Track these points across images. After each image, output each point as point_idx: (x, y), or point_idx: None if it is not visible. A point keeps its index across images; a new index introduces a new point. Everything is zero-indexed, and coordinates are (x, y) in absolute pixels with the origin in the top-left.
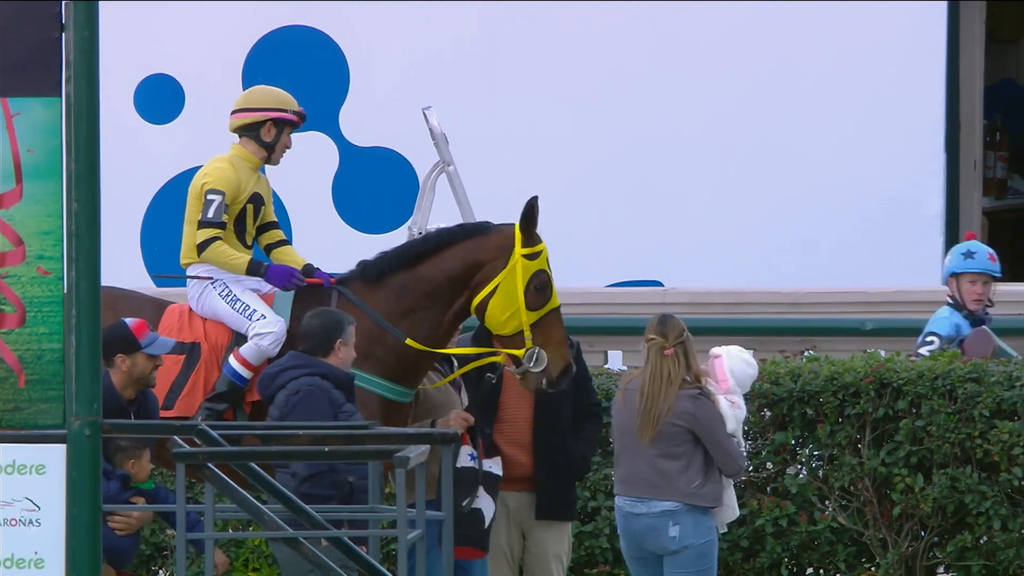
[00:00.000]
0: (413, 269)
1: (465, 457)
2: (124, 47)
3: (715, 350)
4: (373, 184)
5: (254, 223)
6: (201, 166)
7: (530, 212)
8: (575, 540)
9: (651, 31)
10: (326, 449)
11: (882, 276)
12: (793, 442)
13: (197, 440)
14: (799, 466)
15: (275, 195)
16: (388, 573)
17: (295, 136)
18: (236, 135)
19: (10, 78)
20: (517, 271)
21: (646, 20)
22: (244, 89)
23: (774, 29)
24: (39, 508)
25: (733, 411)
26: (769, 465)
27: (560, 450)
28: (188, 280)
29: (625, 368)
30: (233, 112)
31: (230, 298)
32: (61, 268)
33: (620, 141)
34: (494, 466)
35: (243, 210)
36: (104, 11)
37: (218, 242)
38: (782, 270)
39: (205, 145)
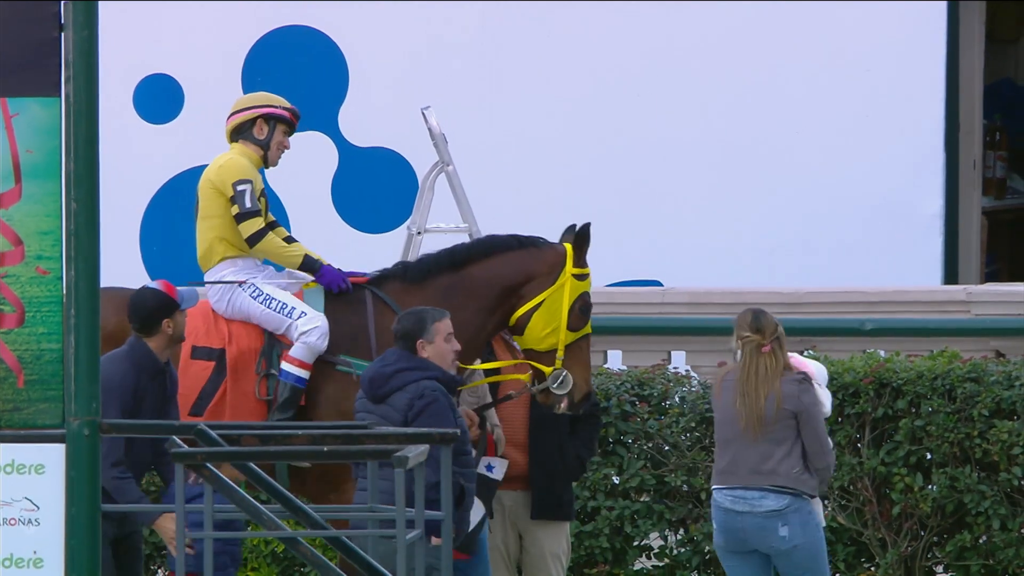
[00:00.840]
0: (460, 271)
1: (483, 468)
2: (123, 47)
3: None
4: (372, 184)
5: (265, 219)
6: (203, 166)
7: (585, 234)
8: (574, 540)
9: (650, 31)
10: (325, 449)
11: (881, 276)
12: None
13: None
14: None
15: (275, 194)
16: (388, 573)
17: (299, 137)
18: (234, 143)
19: (9, 78)
20: (565, 289)
21: (645, 20)
22: (244, 89)
23: (773, 29)
24: (38, 508)
25: (828, 399)
26: None
27: (556, 450)
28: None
29: (625, 368)
30: (227, 120)
31: (263, 298)
32: (60, 268)
33: (619, 141)
34: (497, 468)
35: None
36: (103, 11)
37: (270, 233)
38: (781, 270)
39: (204, 145)
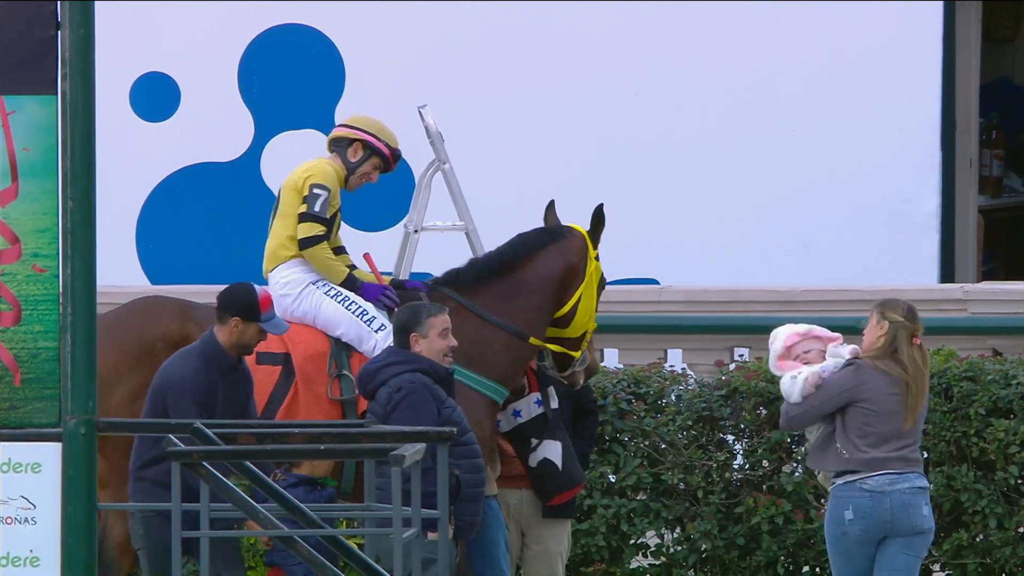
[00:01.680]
0: (511, 275)
1: (532, 405)
2: (119, 45)
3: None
4: (369, 182)
5: (335, 234)
6: (200, 163)
7: (600, 216)
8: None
9: (648, 29)
10: (322, 448)
11: (878, 274)
12: (789, 440)
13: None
14: (795, 464)
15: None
16: (384, 572)
17: (295, 135)
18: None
19: (6, 76)
20: (593, 275)
21: (643, 19)
22: (240, 87)
23: (770, 28)
24: (35, 506)
25: None
26: (765, 463)
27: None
28: (275, 280)
29: (621, 366)
30: (335, 128)
31: (341, 298)
32: (56, 266)
33: (617, 139)
34: (552, 400)
35: (332, 217)
36: (100, 9)
37: (324, 243)
38: (778, 268)
39: (200, 143)
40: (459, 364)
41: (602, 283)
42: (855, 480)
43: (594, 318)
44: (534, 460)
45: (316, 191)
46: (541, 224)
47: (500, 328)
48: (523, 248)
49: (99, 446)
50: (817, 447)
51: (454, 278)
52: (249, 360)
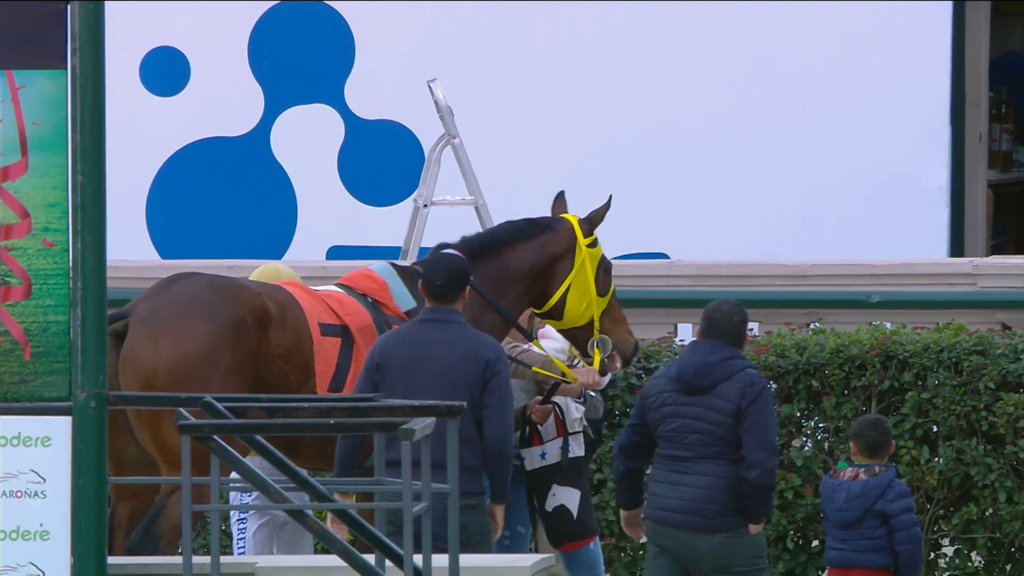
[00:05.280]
0: (494, 259)
1: (537, 458)
2: (129, 19)
3: None
4: (379, 157)
5: None
6: (210, 138)
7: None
8: None
9: (657, 5)
10: (331, 422)
11: (888, 248)
12: (799, 415)
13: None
14: (804, 439)
15: (281, 168)
16: (394, 545)
17: (305, 109)
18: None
19: (15, 50)
20: (586, 263)
21: None
22: (250, 61)
23: (780, 4)
24: (44, 480)
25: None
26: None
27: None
28: None
29: None
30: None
31: None
32: (67, 240)
33: (626, 114)
34: (573, 446)
35: None
36: None
37: None
38: (788, 242)
39: (210, 118)
40: None
41: (605, 266)
42: None
43: (595, 305)
44: (551, 504)
45: None
46: (550, 203)
47: (492, 307)
48: (510, 235)
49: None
50: None
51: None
52: (315, 331)
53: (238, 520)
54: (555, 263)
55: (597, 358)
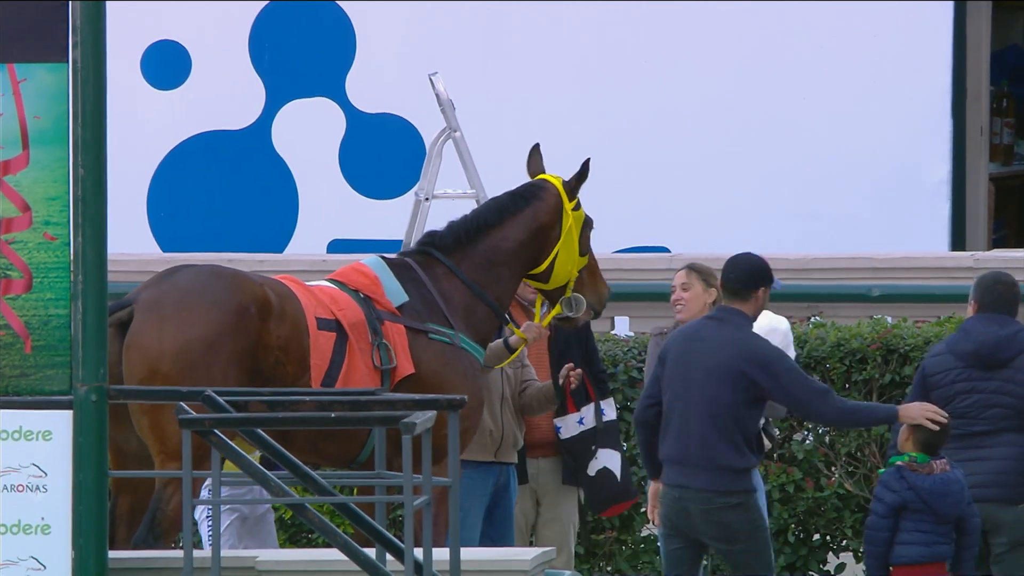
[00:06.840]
0: (486, 240)
1: (574, 425)
2: (130, 13)
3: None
4: (380, 150)
5: None
6: (211, 131)
7: (585, 169)
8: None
9: None
10: (332, 415)
11: (889, 242)
12: None
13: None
14: (805, 432)
15: (283, 161)
16: (395, 539)
17: (306, 103)
18: None
19: (17, 44)
20: (572, 228)
21: None
22: (251, 55)
23: None
24: (46, 474)
25: None
26: (776, 431)
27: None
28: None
29: (632, 334)
30: None
31: None
32: (68, 234)
33: (626, 107)
34: (607, 409)
35: None
36: None
37: None
38: (788, 236)
39: (211, 111)
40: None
41: (588, 224)
42: None
43: (578, 263)
44: (593, 468)
45: None
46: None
47: (481, 299)
48: (496, 215)
49: None
50: None
51: (439, 240)
52: (312, 325)
53: (207, 517)
54: (545, 233)
55: (538, 314)
